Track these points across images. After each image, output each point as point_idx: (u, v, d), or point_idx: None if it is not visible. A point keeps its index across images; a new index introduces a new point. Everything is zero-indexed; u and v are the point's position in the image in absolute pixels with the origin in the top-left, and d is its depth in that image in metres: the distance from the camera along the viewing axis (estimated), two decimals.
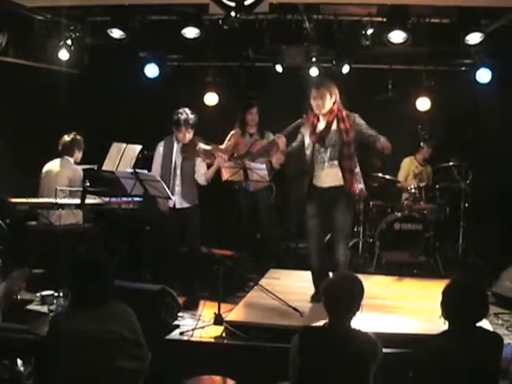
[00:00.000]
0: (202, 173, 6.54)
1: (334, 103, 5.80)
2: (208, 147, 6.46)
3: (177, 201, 6.52)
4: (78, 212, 6.61)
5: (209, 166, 6.56)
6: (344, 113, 5.81)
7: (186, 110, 6.51)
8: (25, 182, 6.92)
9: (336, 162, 5.74)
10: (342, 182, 5.73)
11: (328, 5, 6.62)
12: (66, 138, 6.87)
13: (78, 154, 6.95)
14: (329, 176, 5.79)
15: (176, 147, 6.55)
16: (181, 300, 5.81)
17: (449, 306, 3.49)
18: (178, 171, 6.51)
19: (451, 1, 6.05)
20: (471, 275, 4.13)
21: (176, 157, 6.52)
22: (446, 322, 3.51)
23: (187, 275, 6.48)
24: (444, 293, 3.54)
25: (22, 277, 5.81)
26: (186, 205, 6.55)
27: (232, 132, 7.31)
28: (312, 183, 5.90)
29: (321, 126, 5.84)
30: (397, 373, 3.83)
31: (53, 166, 6.83)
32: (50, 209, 6.40)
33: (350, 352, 3.50)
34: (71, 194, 6.53)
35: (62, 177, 6.67)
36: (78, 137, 6.92)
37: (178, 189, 6.51)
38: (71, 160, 6.85)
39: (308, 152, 5.89)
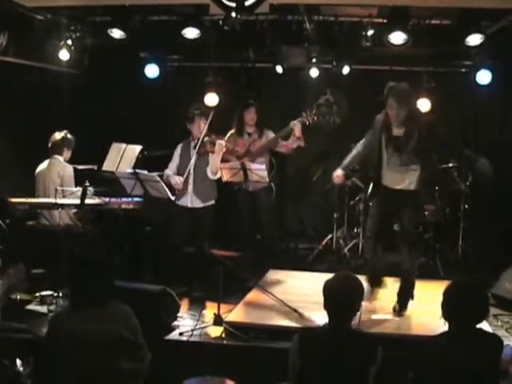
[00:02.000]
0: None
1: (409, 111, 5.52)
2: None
3: (189, 199, 6.58)
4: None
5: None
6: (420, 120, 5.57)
7: (200, 103, 6.84)
8: (25, 182, 6.91)
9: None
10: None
11: (328, 6, 6.62)
12: (57, 136, 6.72)
13: (68, 154, 6.78)
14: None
15: (192, 146, 6.62)
16: (182, 301, 5.81)
17: (449, 307, 3.49)
18: (192, 170, 6.58)
19: (452, 2, 6.04)
20: (473, 276, 4.12)
21: (192, 156, 6.57)
22: (446, 324, 3.51)
23: (188, 275, 6.49)
24: (445, 294, 3.54)
25: (18, 273, 5.82)
26: (198, 204, 6.60)
27: (229, 133, 7.30)
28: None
29: (396, 131, 5.59)
30: (397, 374, 3.83)
31: (43, 166, 6.73)
32: (49, 209, 6.38)
33: (349, 353, 3.50)
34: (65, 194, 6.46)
35: (53, 176, 6.57)
36: (69, 136, 6.76)
37: (190, 188, 6.60)
38: (61, 159, 6.71)
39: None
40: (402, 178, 5.61)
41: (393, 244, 6.02)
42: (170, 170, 6.73)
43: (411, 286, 5.80)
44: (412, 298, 5.81)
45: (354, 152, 5.97)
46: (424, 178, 5.59)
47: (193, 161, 6.57)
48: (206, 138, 6.53)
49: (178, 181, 6.56)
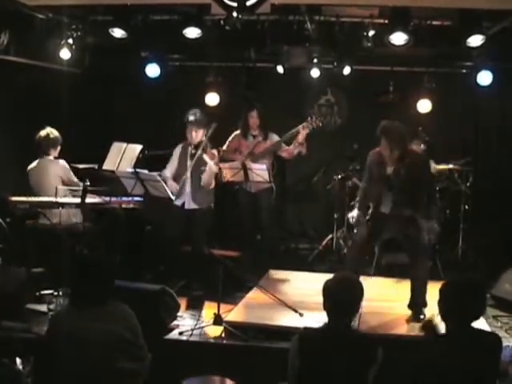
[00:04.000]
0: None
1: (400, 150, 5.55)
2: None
3: (186, 201, 6.58)
4: (77, 212, 6.58)
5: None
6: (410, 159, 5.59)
7: (197, 110, 6.60)
8: (25, 181, 6.89)
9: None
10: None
11: (330, 6, 6.62)
12: (42, 134, 6.63)
13: (55, 152, 6.70)
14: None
15: (189, 152, 6.61)
16: (182, 300, 5.82)
17: (445, 305, 3.49)
18: (189, 174, 6.58)
19: (453, 3, 6.04)
20: (468, 274, 4.12)
21: (189, 159, 6.57)
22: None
23: (188, 275, 6.49)
24: (441, 291, 3.55)
25: (19, 276, 5.81)
26: (194, 206, 6.60)
27: (234, 133, 7.31)
28: None
29: (389, 169, 5.68)
30: (396, 374, 3.83)
31: (32, 166, 6.68)
32: (50, 208, 6.38)
33: (349, 353, 3.50)
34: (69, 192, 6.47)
35: (51, 178, 6.53)
36: (52, 135, 6.65)
37: (188, 190, 6.60)
38: (51, 158, 6.67)
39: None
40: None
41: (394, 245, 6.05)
42: (168, 172, 6.71)
43: (423, 292, 5.70)
44: (425, 305, 5.67)
45: (361, 191, 6.04)
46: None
47: (191, 166, 6.57)
48: (201, 154, 6.47)
49: (173, 187, 6.53)
